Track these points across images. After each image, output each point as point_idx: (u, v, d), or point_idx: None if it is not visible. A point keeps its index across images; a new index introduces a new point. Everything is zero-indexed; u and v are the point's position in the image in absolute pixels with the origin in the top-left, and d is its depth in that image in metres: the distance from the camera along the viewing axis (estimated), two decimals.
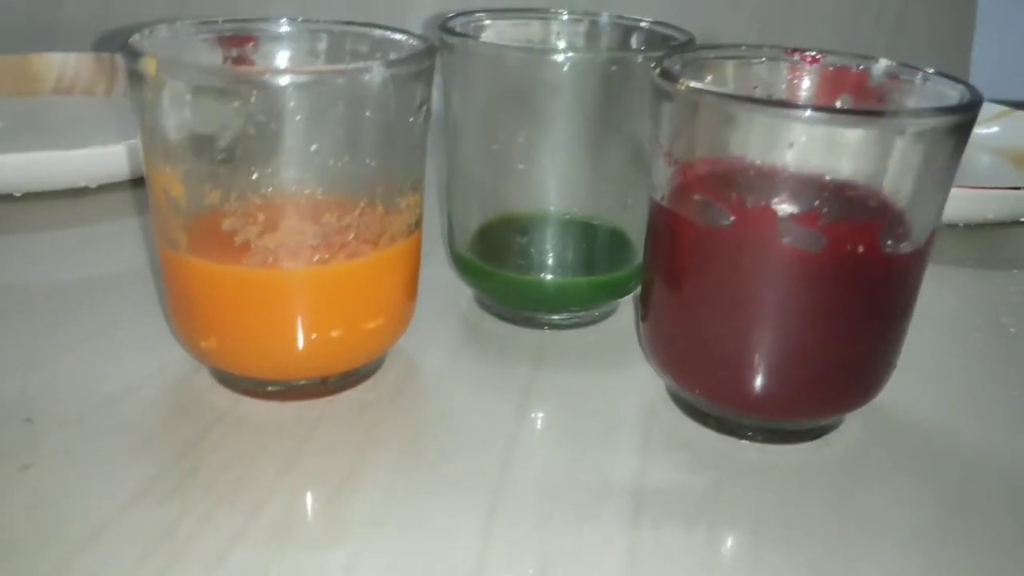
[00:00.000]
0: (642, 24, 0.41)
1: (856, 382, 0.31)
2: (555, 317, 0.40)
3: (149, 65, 0.28)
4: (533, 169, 0.38)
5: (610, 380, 0.37)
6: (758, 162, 0.28)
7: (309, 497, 0.29)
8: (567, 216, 0.39)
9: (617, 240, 0.39)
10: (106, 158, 0.51)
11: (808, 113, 0.26)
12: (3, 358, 0.36)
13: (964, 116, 0.27)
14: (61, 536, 0.27)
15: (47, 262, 0.45)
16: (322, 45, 0.36)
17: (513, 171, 0.38)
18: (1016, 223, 0.54)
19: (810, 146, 0.27)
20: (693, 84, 0.28)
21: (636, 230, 0.38)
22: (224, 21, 0.35)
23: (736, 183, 0.29)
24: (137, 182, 0.53)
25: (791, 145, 0.27)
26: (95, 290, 0.42)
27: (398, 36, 0.34)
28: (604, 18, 0.42)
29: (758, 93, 0.35)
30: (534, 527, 0.28)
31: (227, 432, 0.32)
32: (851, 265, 0.28)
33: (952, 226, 0.53)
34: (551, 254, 0.39)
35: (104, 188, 0.53)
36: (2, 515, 0.28)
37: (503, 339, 0.40)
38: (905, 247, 0.29)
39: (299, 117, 0.28)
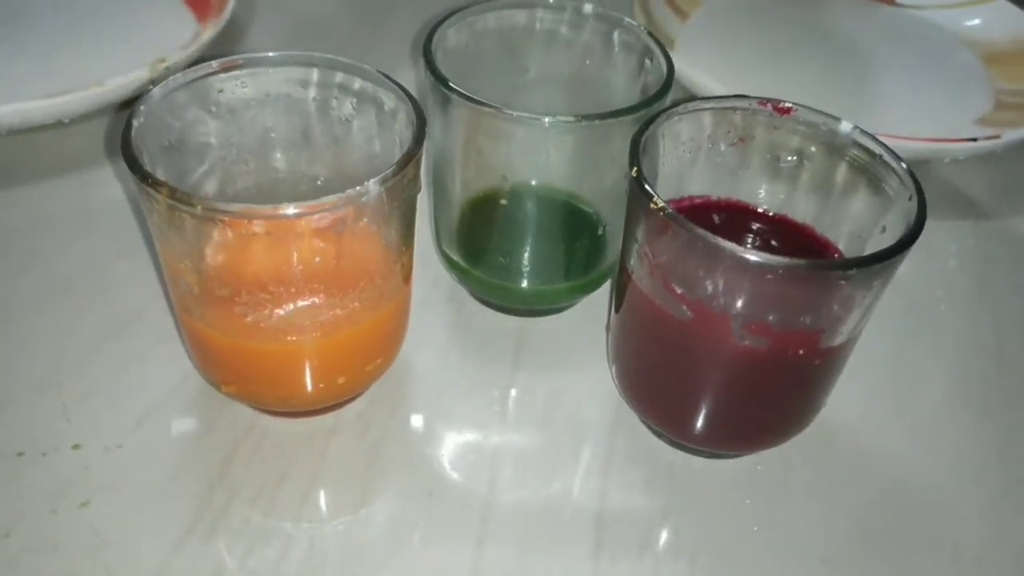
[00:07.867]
0: (625, 23, 0.41)
1: (790, 426, 0.36)
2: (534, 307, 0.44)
3: (159, 193, 0.29)
4: (511, 198, 0.40)
5: (580, 380, 0.42)
6: (719, 277, 0.31)
7: (328, 531, 0.35)
8: (546, 230, 0.42)
9: (594, 246, 0.42)
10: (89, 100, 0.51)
11: (756, 259, 0.29)
12: (37, 369, 0.40)
13: (900, 256, 0.30)
14: None
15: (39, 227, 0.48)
16: (313, 77, 0.37)
17: (491, 201, 0.40)
18: (971, 158, 0.56)
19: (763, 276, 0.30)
20: (666, 208, 0.31)
21: (613, 233, 0.41)
22: (211, 64, 0.36)
23: (698, 289, 0.32)
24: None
25: (747, 271, 0.30)
26: (98, 272, 0.45)
27: (388, 89, 0.35)
28: (588, 8, 0.42)
29: (730, 138, 0.37)
30: (515, 555, 0.35)
31: (250, 456, 0.37)
32: (792, 358, 0.33)
33: None
34: (529, 265, 0.42)
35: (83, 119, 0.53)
36: (74, 557, 0.33)
37: (485, 328, 0.44)
38: (843, 338, 0.33)
39: (304, 240, 0.30)
